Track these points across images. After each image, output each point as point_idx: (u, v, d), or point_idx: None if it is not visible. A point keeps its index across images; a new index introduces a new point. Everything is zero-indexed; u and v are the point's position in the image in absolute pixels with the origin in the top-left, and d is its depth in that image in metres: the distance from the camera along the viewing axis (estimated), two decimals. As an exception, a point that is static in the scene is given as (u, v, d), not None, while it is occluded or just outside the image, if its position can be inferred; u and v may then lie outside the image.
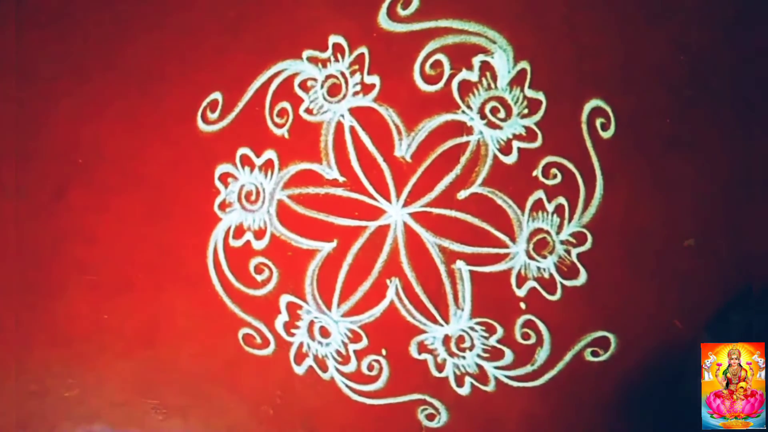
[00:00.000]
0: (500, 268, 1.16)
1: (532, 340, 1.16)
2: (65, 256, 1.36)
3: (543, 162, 1.13)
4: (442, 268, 1.19)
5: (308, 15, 1.21)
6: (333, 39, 1.20)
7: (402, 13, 1.16)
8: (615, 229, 1.12)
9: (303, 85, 1.22)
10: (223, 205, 1.27)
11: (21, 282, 1.39)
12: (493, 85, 1.14)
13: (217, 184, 1.27)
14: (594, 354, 1.11)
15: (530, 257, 1.15)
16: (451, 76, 1.15)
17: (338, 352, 1.25)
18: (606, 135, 1.10)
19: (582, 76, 1.11)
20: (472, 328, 1.19)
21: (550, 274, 1.14)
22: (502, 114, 1.14)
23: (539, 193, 1.13)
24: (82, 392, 1.39)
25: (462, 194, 1.16)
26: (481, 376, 1.19)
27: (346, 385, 1.25)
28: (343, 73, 1.20)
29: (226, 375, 1.30)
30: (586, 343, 1.11)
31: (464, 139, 1.15)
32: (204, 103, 1.27)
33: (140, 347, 1.34)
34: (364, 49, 1.18)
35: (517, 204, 1.15)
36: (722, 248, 1.08)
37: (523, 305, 1.16)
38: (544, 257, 1.14)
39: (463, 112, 1.15)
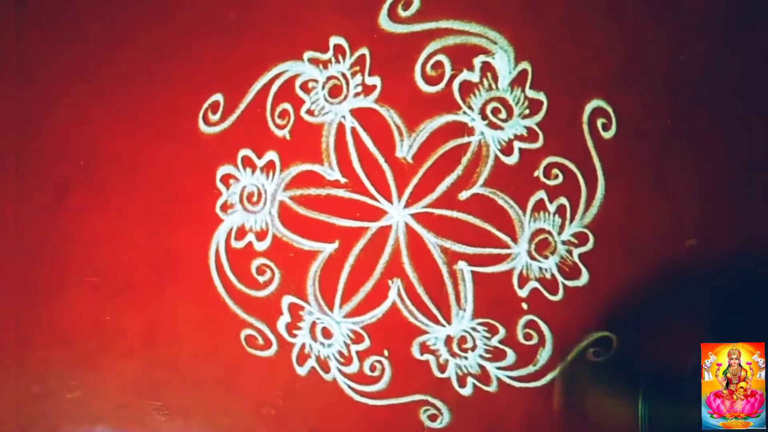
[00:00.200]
0: (502, 268, 1.17)
1: (534, 341, 1.17)
2: (67, 257, 1.37)
3: (544, 162, 1.14)
4: (443, 269, 1.19)
5: (309, 16, 1.21)
6: (334, 40, 1.20)
7: (403, 14, 1.17)
8: (616, 230, 1.13)
9: (304, 87, 1.23)
10: (224, 207, 1.28)
11: (22, 283, 1.40)
12: (494, 86, 1.15)
13: (219, 185, 1.28)
14: (596, 354, 1.12)
15: (532, 258, 1.16)
16: (452, 77, 1.16)
17: (340, 353, 1.26)
18: (607, 135, 1.11)
19: (583, 77, 1.12)
20: (474, 329, 1.20)
21: (552, 275, 1.15)
22: (503, 114, 1.15)
23: (541, 194, 1.14)
24: (84, 394, 1.39)
25: (463, 195, 1.17)
26: (484, 376, 1.20)
27: (349, 386, 1.26)
28: (344, 74, 1.21)
29: (229, 376, 1.31)
30: (588, 343, 1.11)
31: (465, 139, 1.16)
32: (205, 105, 1.27)
33: (142, 348, 1.35)
34: (365, 50, 1.19)
35: (518, 204, 1.15)
36: (723, 248, 1.09)
37: (525, 306, 1.17)
38: (546, 258, 1.15)
39: (465, 112, 1.16)
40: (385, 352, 1.24)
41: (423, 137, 1.18)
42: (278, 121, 1.24)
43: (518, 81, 1.14)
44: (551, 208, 1.14)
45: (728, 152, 1.08)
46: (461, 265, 1.19)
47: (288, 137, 1.24)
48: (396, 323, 1.22)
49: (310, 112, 1.23)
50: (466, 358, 1.20)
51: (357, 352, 1.25)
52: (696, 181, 1.09)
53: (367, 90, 1.20)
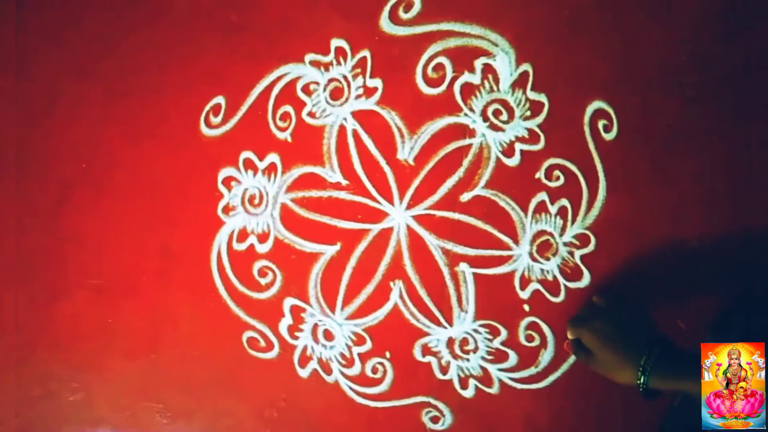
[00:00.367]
0: (504, 270, 1.18)
1: (536, 342, 1.18)
2: (68, 259, 1.38)
3: (546, 164, 1.15)
4: (445, 271, 1.20)
5: (310, 19, 1.22)
6: (335, 43, 1.21)
7: (404, 16, 1.18)
8: (618, 231, 1.13)
9: (305, 89, 1.23)
10: (226, 209, 1.29)
11: (24, 285, 1.41)
12: (495, 88, 1.15)
13: (221, 187, 1.29)
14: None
15: (533, 259, 1.16)
16: (454, 79, 1.17)
17: (342, 355, 1.26)
18: (608, 137, 1.12)
19: (584, 78, 1.12)
20: (476, 331, 1.20)
21: (554, 276, 1.16)
22: (504, 116, 1.15)
23: (542, 195, 1.15)
24: (86, 396, 1.40)
25: (465, 197, 1.18)
26: (485, 378, 1.21)
27: (351, 388, 1.27)
28: (345, 77, 1.21)
29: (231, 378, 1.32)
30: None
31: (467, 141, 1.17)
32: (207, 107, 1.28)
33: (144, 351, 1.36)
34: (366, 53, 1.20)
35: (520, 206, 1.16)
36: (725, 249, 1.09)
37: (526, 307, 1.18)
38: (548, 259, 1.16)
39: (466, 114, 1.17)
40: (387, 354, 1.24)
41: (424, 139, 1.19)
42: (280, 123, 1.25)
43: (519, 83, 1.14)
44: (553, 209, 1.15)
45: (730, 153, 1.08)
46: (463, 266, 1.19)
47: (289, 139, 1.25)
48: (398, 325, 1.23)
49: (311, 114, 1.23)
50: (467, 359, 1.21)
51: (359, 354, 1.25)
52: (698, 182, 1.09)
53: (369, 92, 1.21)
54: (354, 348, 1.26)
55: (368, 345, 1.25)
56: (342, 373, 1.27)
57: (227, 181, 1.28)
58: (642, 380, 0.94)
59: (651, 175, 1.11)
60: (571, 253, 1.15)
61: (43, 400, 1.42)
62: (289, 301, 1.27)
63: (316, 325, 1.27)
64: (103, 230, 1.35)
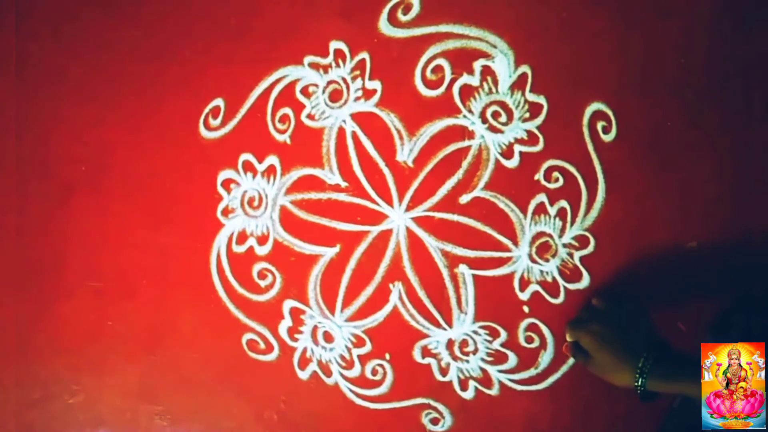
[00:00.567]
0: (503, 271, 1.18)
1: (536, 344, 1.18)
2: (69, 262, 1.38)
3: (545, 166, 1.15)
4: (444, 272, 1.20)
5: (309, 21, 1.23)
6: (334, 45, 1.21)
7: (403, 18, 1.18)
8: (617, 232, 1.14)
9: (304, 91, 1.24)
10: (225, 211, 1.29)
11: (24, 288, 1.41)
12: (494, 90, 1.16)
13: (220, 190, 1.29)
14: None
15: (533, 261, 1.17)
16: (452, 81, 1.17)
17: (342, 357, 1.27)
18: (607, 138, 1.12)
19: (583, 80, 1.13)
20: (475, 332, 1.21)
21: (553, 278, 1.16)
22: (503, 118, 1.16)
23: (541, 197, 1.15)
24: (86, 398, 1.41)
25: (464, 198, 1.18)
26: (485, 379, 1.21)
27: (351, 390, 1.27)
28: (344, 79, 1.22)
29: (230, 381, 1.33)
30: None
31: (466, 143, 1.17)
32: (206, 110, 1.28)
33: (144, 353, 1.36)
34: (365, 55, 1.20)
35: (519, 208, 1.17)
36: (725, 250, 1.10)
37: (526, 309, 1.18)
38: (547, 261, 1.16)
39: (465, 116, 1.17)
40: (387, 356, 1.25)
41: (423, 141, 1.19)
42: (279, 125, 1.25)
43: (518, 84, 1.15)
44: (552, 211, 1.15)
45: (730, 154, 1.09)
46: (462, 268, 1.20)
47: (288, 142, 1.25)
48: (397, 327, 1.24)
49: (310, 116, 1.24)
50: (467, 361, 1.21)
51: (358, 356, 1.26)
52: (697, 183, 1.10)
53: (368, 94, 1.21)
54: (354, 350, 1.26)
55: (368, 347, 1.25)
56: (342, 375, 1.27)
57: (226, 184, 1.29)
58: (639, 383, 0.94)
59: (650, 177, 1.11)
60: (571, 255, 1.15)
61: (42, 402, 1.42)
62: (288, 303, 1.28)
63: (315, 327, 1.27)
64: (103, 232, 1.36)
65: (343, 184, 1.23)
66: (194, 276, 1.31)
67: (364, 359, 1.26)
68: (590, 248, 1.14)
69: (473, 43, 1.16)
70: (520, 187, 1.16)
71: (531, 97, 1.15)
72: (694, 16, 1.09)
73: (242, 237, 1.29)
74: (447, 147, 1.18)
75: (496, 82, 1.16)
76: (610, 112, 1.12)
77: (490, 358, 1.20)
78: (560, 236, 1.15)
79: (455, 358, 1.22)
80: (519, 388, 1.20)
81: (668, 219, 1.11)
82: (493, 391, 1.21)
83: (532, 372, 1.19)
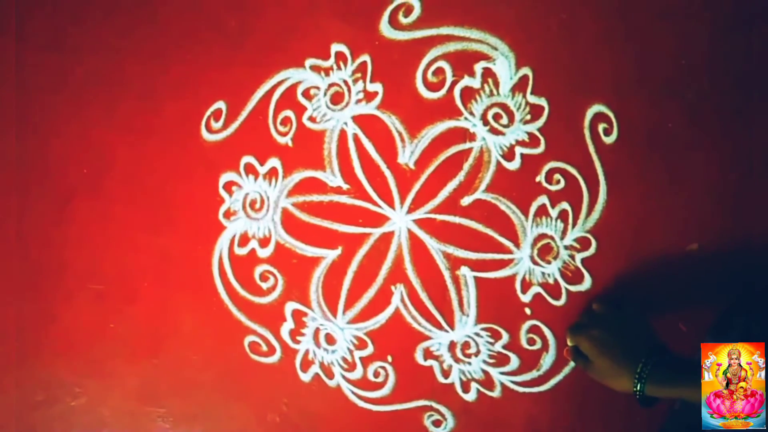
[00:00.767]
0: (505, 273, 1.19)
1: (538, 346, 1.19)
2: (71, 264, 1.39)
3: (546, 167, 1.16)
4: (446, 275, 1.21)
5: (310, 24, 1.24)
6: (335, 47, 1.22)
7: (404, 21, 1.19)
8: (619, 234, 1.15)
9: (306, 94, 1.24)
10: (227, 214, 1.30)
11: (26, 291, 1.42)
12: (495, 92, 1.16)
13: (222, 192, 1.30)
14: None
15: (535, 263, 1.17)
16: (454, 83, 1.18)
17: (344, 359, 1.27)
18: (609, 140, 1.13)
19: (584, 82, 1.14)
20: (477, 334, 1.21)
21: (555, 280, 1.17)
22: (504, 120, 1.16)
23: (543, 199, 1.16)
24: (88, 401, 1.42)
25: (466, 200, 1.19)
26: (487, 381, 1.22)
27: (353, 392, 1.28)
28: (345, 81, 1.22)
29: (232, 383, 1.34)
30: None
31: (467, 145, 1.18)
32: (208, 112, 1.29)
33: (146, 355, 1.37)
34: (366, 57, 1.21)
35: (520, 210, 1.17)
36: (726, 251, 1.11)
37: (528, 311, 1.19)
38: (549, 263, 1.17)
39: (466, 118, 1.18)
40: (389, 358, 1.26)
41: (425, 143, 1.20)
42: (280, 128, 1.26)
43: (519, 86, 1.16)
44: (553, 213, 1.16)
45: (731, 155, 1.10)
46: (464, 270, 1.20)
47: (290, 144, 1.26)
48: (399, 329, 1.24)
49: (312, 119, 1.25)
50: (469, 363, 1.22)
51: (361, 358, 1.27)
52: (698, 184, 1.11)
53: (369, 96, 1.22)
54: (356, 352, 1.27)
55: (370, 349, 1.26)
56: (344, 377, 1.28)
57: (228, 186, 1.29)
58: (638, 388, 0.95)
59: (651, 178, 1.12)
60: (572, 257, 1.16)
61: (45, 405, 1.43)
62: (290, 306, 1.28)
63: (317, 330, 1.28)
64: (105, 235, 1.37)
65: (345, 187, 1.24)
66: (196, 278, 1.32)
67: (366, 361, 1.27)
68: (592, 250, 1.15)
69: (474, 46, 1.17)
70: (522, 189, 1.17)
71: (532, 99, 1.15)
72: (694, 18, 1.09)
73: (244, 239, 1.30)
74: (448, 149, 1.19)
75: (497, 84, 1.16)
76: (611, 114, 1.12)
77: (492, 360, 1.21)
78: (562, 238, 1.16)
79: (457, 360, 1.23)
80: (521, 390, 1.21)
81: (669, 220, 1.12)
82: (495, 393, 1.22)
83: (534, 374, 1.20)
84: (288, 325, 1.29)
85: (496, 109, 1.17)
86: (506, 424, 1.22)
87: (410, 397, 1.25)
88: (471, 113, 1.18)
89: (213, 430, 1.36)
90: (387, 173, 1.22)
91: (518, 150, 1.16)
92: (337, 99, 1.24)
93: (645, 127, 1.12)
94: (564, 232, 1.16)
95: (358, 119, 1.23)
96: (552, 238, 1.16)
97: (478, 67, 1.17)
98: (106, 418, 1.41)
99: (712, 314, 1.09)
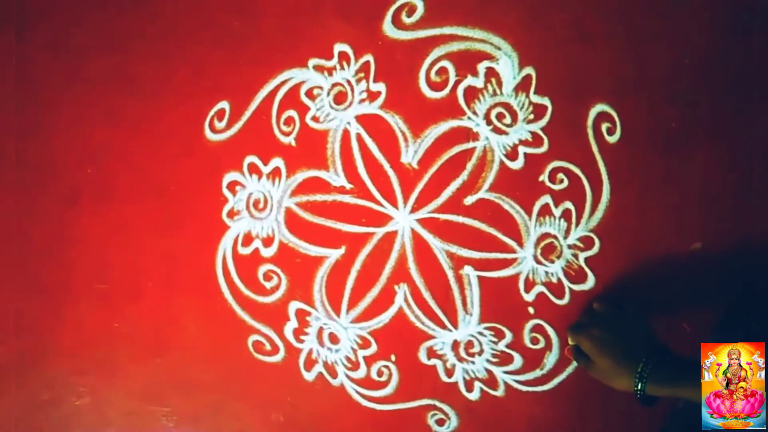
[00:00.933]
0: (508, 273, 1.20)
1: (541, 345, 1.20)
2: (75, 264, 1.40)
3: (549, 167, 1.17)
4: (450, 274, 1.22)
5: (313, 24, 1.25)
6: (338, 47, 1.23)
7: (407, 20, 1.19)
8: (622, 234, 1.16)
9: (309, 93, 1.25)
10: (231, 213, 1.31)
11: (31, 290, 1.43)
12: (498, 91, 1.17)
13: (225, 192, 1.31)
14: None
15: (538, 262, 1.18)
16: (457, 83, 1.19)
17: (348, 359, 1.28)
18: (612, 139, 1.14)
19: (587, 81, 1.15)
20: (480, 333, 1.22)
21: (558, 279, 1.18)
22: (507, 120, 1.17)
23: (546, 198, 1.17)
24: (92, 400, 1.43)
25: (469, 200, 1.20)
26: (491, 380, 1.23)
27: (356, 391, 1.29)
28: (349, 81, 1.23)
29: (236, 382, 1.35)
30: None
31: (470, 145, 1.19)
32: (211, 112, 1.30)
33: (150, 354, 1.38)
34: (369, 57, 1.22)
35: (524, 209, 1.18)
36: (728, 251, 1.12)
37: (531, 310, 1.20)
38: (552, 262, 1.18)
39: (469, 118, 1.19)
40: (393, 357, 1.26)
41: (428, 143, 1.21)
42: (284, 127, 1.27)
43: (522, 86, 1.17)
44: (557, 212, 1.17)
45: (733, 155, 1.10)
46: (467, 269, 1.21)
47: (293, 144, 1.26)
48: (403, 328, 1.25)
49: (315, 118, 1.25)
50: (473, 362, 1.23)
51: (364, 358, 1.28)
52: (701, 184, 1.12)
53: (372, 96, 1.23)
54: (359, 351, 1.28)
55: (373, 348, 1.27)
56: (347, 377, 1.29)
57: (232, 186, 1.30)
58: (639, 387, 0.96)
59: (654, 178, 1.13)
60: (576, 256, 1.17)
61: (49, 404, 1.44)
62: (294, 305, 1.29)
63: (321, 329, 1.29)
64: (109, 235, 1.38)
65: (348, 186, 1.25)
66: (200, 278, 1.33)
67: (369, 360, 1.28)
68: (595, 249, 1.16)
69: (477, 45, 1.17)
70: (525, 189, 1.18)
71: (535, 98, 1.16)
72: (697, 18, 1.10)
73: (248, 239, 1.31)
74: (451, 149, 1.20)
75: (500, 84, 1.17)
76: (614, 114, 1.13)
77: (495, 359, 1.22)
78: (565, 237, 1.17)
79: (461, 359, 1.23)
80: (524, 389, 1.22)
81: (673, 220, 1.13)
82: (499, 392, 1.23)
83: (537, 373, 1.21)
84: (292, 324, 1.30)
85: (499, 109, 1.18)
86: (510, 423, 1.23)
87: (414, 396, 1.26)
88: (474, 113, 1.18)
89: (217, 429, 1.36)
90: (390, 173, 1.23)
91: (521, 149, 1.17)
92: (340, 99, 1.24)
93: (648, 126, 1.12)
94: (567, 232, 1.17)
95: (361, 119, 1.24)
96: (555, 237, 1.17)
97: (482, 67, 1.18)
98: (111, 417, 1.42)
99: (714, 314, 1.10)
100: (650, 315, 1.09)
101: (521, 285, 1.19)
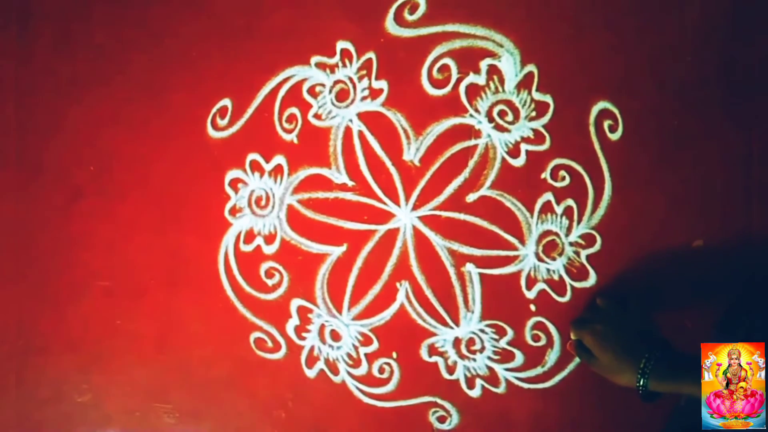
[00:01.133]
0: (510, 270, 1.21)
1: (543, 342, 1.20)
2: (78, 262, 1.41)
3: (551, 164, 1.17)
4: (451, 271, 1.23)
5: (316, 21, 1.25)
6: (341, 45, 1.24)
7: (409, 18, 1.20)
8: (624, 231, 1.16)
9: (311, 91, 1.26)
10: (233, 211, 1.32)
11: (33, 288, 1.43)
12: (500, 89, 1.18)
13: (228, 189, 1.31)
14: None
15: (539, 259, 1.19)
16: (459, 80, 1.19)
17: (349, 356, 1.29)
18: (614, 137, 1.14)
19: (589, 79, 1.15)
20: (482, 331, 1.23)
21: (560, 276, 1.19)
22: (509, 117, 1.18)
23: (548, 196, 1.18)
24: (94, 397, 1.43)
25: (471, 197, 1.20)
26: (492, 378, 1.23)
27: (358, 388, 1.29)
28: (351, 79, 1.24)
29: (238, 379, 1.35)
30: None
31: (472, 142, 1.19)
32: (214, 110, 1.31)
33: (152, 352, 1.39)
34: (371, 54, 1.22)
35: (525, 206, 1.19)
36: (731, 248, 1.12)
37: (533, 307, 1.21)
38: (554, 259, 1.18)
39: (471, 115, 1.19)
40: (394, 354, 1.27)
41: (430, 140, 1.21)
42: (286, 125, 1.27)
43: (525, 83, 1.17)
44: (558, 209, 1.17)
45: (736, 153, 1.11)
46: (469, 267, 1.22)
47: (295, 141, 1.27)
48: (404, 325, 1.26)
49: (317, 116, 1.26)
50: (474, 359, 1.23)
51: (366, 355, 1.28)
52: (703, 181, 1.12)
53: (374, 94, 1.23)
54: (361, 348, 1.28)
55: (375, 345, 1.28)
56: (349, 374, 1.30)
57: (234, 183, 1.31)
58: (641, 383, 0.97)
59: (656, 175, 1.14)
60: (577, 253, 1.17)
61: (51, 401, 1.44)
62: (296, 302, 1.30)
63: (323, 326, 1.30)
64: (111, 232, 1.38)
65: (350, 184, 1.26)
66: (202, 275, 1.34)
67: (371, 357, 1.28)
68: (597, 246, 1.17)
69: (479, 43, 1.18)
70: (527, 186, 1.19)
71: (537, 96, 1.17)
72: (700, 15, 1.10)
73: (250, 236, 1.31)
74: (453, 146, 1.21)
75: (502, 81, 1.18)
76: (616, 111, 1.14)
77: (496, 357, 1.23)
78: (567, 235, 1.17)
79: (462, 357, 1.24)
80: (526, 386, 1.22)
81: (675, 217, 1.14)
82: (500, 390, 1.23)
83: (538, 370, 1.21)
84: (293, 321, 1.31)
85: (501, 106, 1.18)
86: (511, 420, 1.23)
87: (415, 393, 1.27)
88: (476, 110, 1.19)
89: (219, 426, 1.37)
90: (392, 170, 1.23)
91: (523, 147, 1.18)
92: (342, 96, 1.25)
93: (650, 124, 1.13)
94: (569, 229, 1.17)
95: (363, 116, 1.24)
96: (557, 234, 1.18)
97: (484, 64, 1.18)
98: (113, 414, 1.42)
99: (715, 311, 1.11)
100: (652, 312, 1.10)
101: (523, 282, 1.20)
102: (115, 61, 1.36)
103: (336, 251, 1.27)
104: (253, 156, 1.29)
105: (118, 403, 1.42)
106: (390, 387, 1.28)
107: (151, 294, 1.37)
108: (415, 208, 1.23)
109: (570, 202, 1.17)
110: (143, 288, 1.37)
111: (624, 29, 1.13)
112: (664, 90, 1.12)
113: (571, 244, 1.17)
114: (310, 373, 1.32)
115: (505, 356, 1.22)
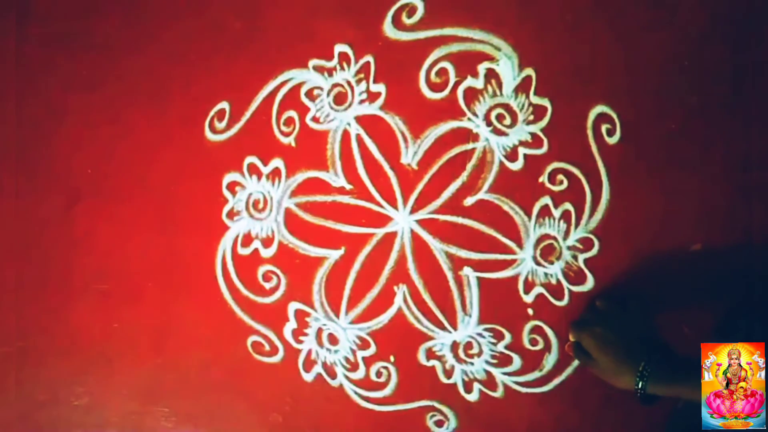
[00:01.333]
0: (507, 274, 1.20)
1: (540, 346, 1.20)
2: (75, 265, 1.40)
3: (549, 168, 1.17)
4: (449, 275, 1.22)
5: (314, 24, 1.25)
6: (339, 48, 1.24)
7: (407, 21, 1.20)
8: (621, 235, 1.16)
9: (309, 94, 1.26)
10: (231, 214, 1.31)
11: (30, 290, 1.43)
12: (498, 92, 1.17)
13: (225, 192, 1.31)
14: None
15: (537, 263, 1.18)
16: (457, 84, 1.19)
17: (347, 359, 1.28)
18: (612, 141, 1.14)
19: (587, 82, 1.15)
20: (480, 335, 1.22)
21: (558, 280, 1.18)
22: (507, 121, 1.17)
23: (545, 199, 1.17)
24: (91, 401, 1.43)
25: (468, 201, 1.20)
26: (490, 382, 1.23)
27: (355, 392, 1.29)
28: (348, 82, 1.24)
29: (236, 383, 1.35)
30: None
31: (470, 146, 1.19)
32: (211, 113, 1.31)
33: (150, 355, 1.39)
34: (369, 58, 1.22)
35: (523, 210, 1.18)
36: (729, 252, 1.12)
37: (530, 311, 1.20)
38: (551, 263, 1.18)
39: (469, 119, 1.19)
40: (392, 358, 1.27)
41: (428, 144, 1.21)
42: (283, 128, 1.27)
43: (522, 87, 1.17)
44: (556, 213, 1.17)
45: (733, 156, 1.10)
46: (467, 270, 1.21)
47: (293, 144, 1.27)
48: (402, 329, 1.26)
49: (315, 119, 1.26)
50: (472, 363, 1.23)
51: (363, 358, 1.28)
52: (701, 185, 1.12)
53: (372, 97, 1.23)
54: (358, 352, 1.28)
55: (372, 349, 1.27)
56: (346, 377, 1.29)
57: (231, 186, 1.31)
58: (639, 386, 0.96)
59: (654, 179, 1.13)
60: (575, 257, 1.17)
61: (48, 404, 1.44)
62: (293, 306, 1.30)
63: (320, 330, 1.29)
64: (109, 235, 1.38)
65: (348, 187, 1.25)
66: (199, 278, 1.34)
67: (368, 361, 1.28)
68: (594, 250, 1.16)
69: (477, 46, 1.18)
70: (525, 190, 1.18)
71: (535, 99, 1.16)
72: (698, 19, 1.10)
73: (247, 239, 1.31)
74: (451, 149, 1.20)
75: (500, 85, 1.17)
76: (614, 115, 1.13)
77: (494, 361, 1.22)
78: (564, 239, 1.17)
79: (460, 361, 1.23)
80: (523, 390, 1.22)
81: (672, 221, 1.13)
82: (498, 394, 1.23)
83: (536, 374, 1.21)
84: (291, 325, 1.30)
85: (499, 110, 1.18)
86: (508, 424, 1.23)
87: (413, 397, 1.26)
88: (474, 114, 1.19)
89: (216, 430, 1.37)
90: (390, 174, 1.23)
91: (521, 150, 1.17)
92: (340, 99, 1.25)
93: (648, 127, 1.13)
94: (567, 233, 1.17)
95: (361, 120, 1.24)
96: (555, 238, 1.17)
97: (482, 68, 1.18)
98: (110, 417, 1.42)
99: (714, 315, 1.10)
100: (651, 313, 1.09)
101: (520, 286, 1.19)
102: (114, 64, 1.36)
103: (334, 255, 1.27)
104: (250, 159, 1.29)
105: (115, 406, 1.42)
106: (387, 391, 1.27)
107: (148, 297, 1.37)
108: (412, 211, 1.23)
109: (568, 205, 1.16)
110: (140, 291, 1.37)
111: (622, 33, 1.13)
112: (662, 94, 1.12)
113: (569, 247, 1.17)
114: (308, 377, 1.31)
115: (502, 360, 1.22)
